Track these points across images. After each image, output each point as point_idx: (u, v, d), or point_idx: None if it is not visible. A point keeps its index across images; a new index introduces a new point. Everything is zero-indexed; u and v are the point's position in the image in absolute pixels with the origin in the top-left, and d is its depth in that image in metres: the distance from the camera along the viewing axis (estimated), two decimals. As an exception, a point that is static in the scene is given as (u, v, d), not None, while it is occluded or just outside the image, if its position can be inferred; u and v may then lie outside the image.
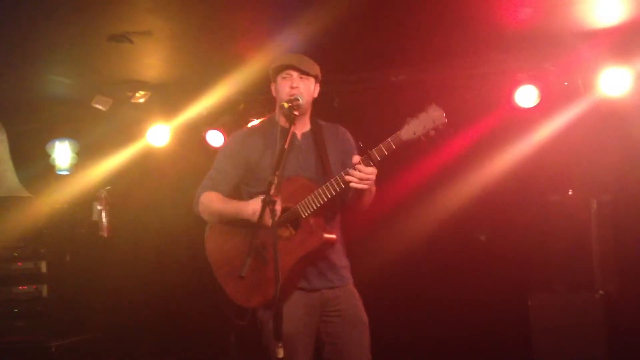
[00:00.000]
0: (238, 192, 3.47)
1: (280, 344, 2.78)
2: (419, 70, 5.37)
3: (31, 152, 6.20)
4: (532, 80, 5.15)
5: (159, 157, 6.26)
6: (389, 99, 5.57)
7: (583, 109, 5.11)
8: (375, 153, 3.10)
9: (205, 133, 5.95)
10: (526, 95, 5.17)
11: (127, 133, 6.20)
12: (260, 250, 3.09)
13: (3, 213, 5.77)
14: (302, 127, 3.43)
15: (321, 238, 3.19)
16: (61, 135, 6.25)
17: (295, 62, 3.33)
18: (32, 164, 6.17)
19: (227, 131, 5.93)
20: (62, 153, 6.23)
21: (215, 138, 5.99)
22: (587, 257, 4.87)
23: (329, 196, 3.16)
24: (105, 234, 6.10)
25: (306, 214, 3.19)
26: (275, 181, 2.92)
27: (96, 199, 6.12)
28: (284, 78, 3.34)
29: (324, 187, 3.17)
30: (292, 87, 3.30)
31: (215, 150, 5.92)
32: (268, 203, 2.88)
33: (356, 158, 3.14)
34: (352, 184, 3.11)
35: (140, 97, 5.83)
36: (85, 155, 6.30)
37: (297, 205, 3.20)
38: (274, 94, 3.43)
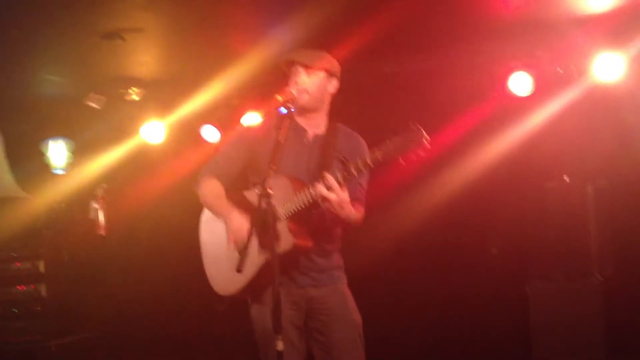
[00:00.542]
0: (245, 176, 3.45)
1: (279, 337, 2.77)
2: (411, 60, 5.36)
3: (26, 152, 6.19)
4: (525, 67, 5.14)
5: (155, 154, 6.25)
6: (381, 90, 5.57)
7: (577, 95, 5.11)
8: (352, 168, 3.03)
9: (200, 128, 5.95)
10: (520, 83, 5.17)
11: (122, 130, 6.19)
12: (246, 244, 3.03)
13: (0, 213, 5.77)
14: (316, 126, 3.37)
15: (291, 244, 3.12)
16: (55, 134, 6.24)
17: (298, 57, 3.28)
18: (27, 164, 6.16)
19: (222, 126, 5.93)
20: (57, 152, 6.23)
21: (210, 133, 5.99)
22: (584, 243, 4.87)
23: (305, 204, 3.10)
24: (102, 232, 6.10)
25: (284, 217, 3.13)
26: (271, 175, 2.89)
27: (93, 197, 6.11)
28: (292, 73, 3.29)
29: (302, 193, 3.11)
30: (295, 83, 3.26)
31: (210, 146, 5.94)
32: (263, 197, 2.86)
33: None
34: (320, 200, 3.06)
35: (134, 94, 5.82)
36: (80, 153, 6.29)
37: (279, 207, 3.11)
38: None
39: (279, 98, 3.19)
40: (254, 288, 3.20)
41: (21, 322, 5.70)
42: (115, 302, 6.15)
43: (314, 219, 3.20)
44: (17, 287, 5.75)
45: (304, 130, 3.36)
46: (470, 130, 5.29)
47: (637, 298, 4.93)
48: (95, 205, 6.11)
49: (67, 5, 4.08)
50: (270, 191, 2.84)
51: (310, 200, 3.09)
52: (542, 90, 5.18)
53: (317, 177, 3.15)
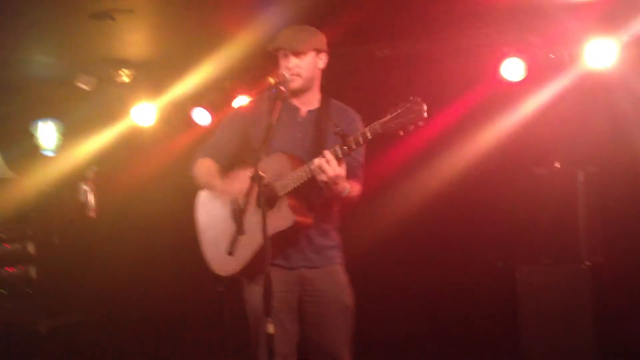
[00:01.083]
0: (238, 159, 3.44)
1: (270, 319, 2.77)
2: (404, 45, 5.34)
3: (14, 133, 6.15)
4: (517, 53, 5.13)
5: (145, 137, 6.22)
6: (373, 74, 5.56)
7: (569, 81, 5.10)
8: (351, 141, 3.02)
9: (191, 111, 5.93)
10: (512, 69, 5.17)
11: (113, 112, 6.16)
12: (242, 224, 3.03)
13: (-12, 195, 5.75)
14: (309, 103, 3.37)
15: (291, 221, 3.13)
16: (45, 116, 6.20)
17: (286, 43, 3.25)
18: (16, 145, 6.13)
19: (213, 109, 5.90)
20: (46, 133, 6.19)
21: (201, 116, 5.96)
22: (573, 229, 4.89)
23: (304, 179, 3.10)
24: (92, 215, 6.08)
25: (282, 193, 3.14)
26: (263, 156, 2.88)
27: (83, 179, 6.09)
28: (281, 57, 3.28)
29: (300, 168, 3.12)
30: (287, 68, 3.25)
31: (202, 128, 5.91)
32: (255, 179, 2.85)
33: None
34: (315, 173, 3.05)
35: (124, 75, 5.78)
36: (70, 135, 6.25)
37: (276, 183, 3.14)
38: None
39: (272, 80, 3.19)
40: (252, 269, 3.19)
41: (10, 303, 5.70)
42: (105, 284, 6.14)
43: (312, 195, 3.20)
44: (6, 268, 5.73)
45: (297, 109, 3.36)
46: (462, 116, 5.28)
47: (626, 284, 4.97)
48: (85, 187, 6.09)
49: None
50: (261, 174, 2.84)
51: (309, 176, 3.09)
52: (534, 76, 5.18)
53: (314, 152, 3.15)
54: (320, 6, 4.39)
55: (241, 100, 5.62)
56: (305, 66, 3.27)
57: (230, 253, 2.91)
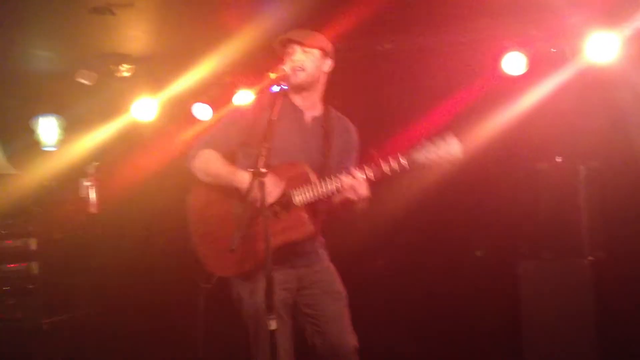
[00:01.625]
0: (235, 157, 3.42)
1: (273, 316, 2.78)
2: (404, 39, 5.33)
3: (15, 128, 6.14)
4: (518, 46, 5.12)
5: (146, 132, 6.21)
6: (375, 68, 5.55)
7: (570, 75, 5.09)
8: (385, 167, 3.07)
9: (191, 106, 5.92)
10: (513, 62, 5.15)
11: (113, 107, 6.15)
12: (246, 224, 3.03)
13: (-11, 190, 5.74)
14: (313, 108, 3.38)
15: (309, 232, 3.19)
16: (45, 111, 6.18)
17: (295, 35, 3.28)
18: (17, 140, 6.11)
19: (213, 104, 5.89)
20: (47, 129, 6.18)
21: (202, 111, 5.95)
22: (575, 224, 4.89)
23: (326, 192, 3.14)
24: (94, 210, 6.07)
25: (299, 202, 3.17)
26: (264, 153, 2.87)
27: (84, 174, 6.08)
28: (288, 52, 3.29)
29: (324, 182, 3.15)
30: (292, 61, 3.26)
31: (202, 124, 5.90)
32: (256, 176, 2.84)
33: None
34: (345, 191, 3.10)
35: (125, 70, 5.77)
36: (71, 130, 6.24)
37: (293, 191, 3.17)
38: None
39: (272, 76, 3.19)
40: (254, 269, 3.18)
41: (13, 299, 5.70)
42: (107, 280, 6.14)
43: (320, 207, 3.25)
44: (8, 265, 5.73)
45: (301, 111, 3.36)
46: (463, 110, 5.26)
47: (627, 278, 4.96)
48: (86, 183, 6.07)
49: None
50: (263, 170, 2.83)
51: (334, 189, 3.13)
52: (535, 70, 5.17)
53: (319, 161, 3.22)
54: (321, 0, 4.37)
55: (242, 95, 5.60)
56: (310, 62, 3.27)
57: (233, 252, 2.89)
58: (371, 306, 5.20)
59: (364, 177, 3.09)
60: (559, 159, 5.10)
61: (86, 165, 5.89)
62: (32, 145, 6.16)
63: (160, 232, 6.10)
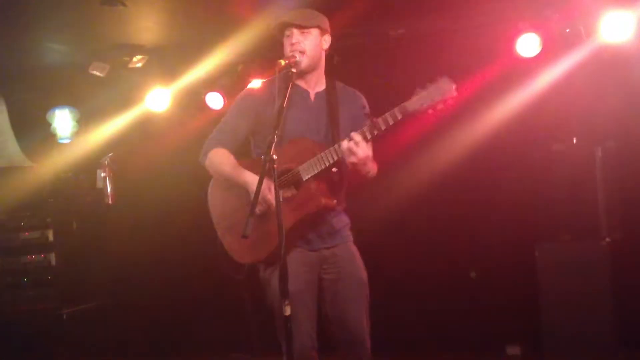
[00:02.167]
0: (248, 144, 3.46)
1: (286, 302, 2.78)
2: (418, 23, 5.29)
3: (31, 121, 6.19)
4: (533, 28, 5.07)
5: (160, 122, 6.24)
6: (388, 53, 5.52)
7: (585, 55, 5.04)
8: (380, 122, 3.04)
9: (204, 96, 5.93)
10: (528, 44, 5.10)
11: (127, 98, 6.17)
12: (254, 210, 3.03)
13: (6, 183, 5.79)
14: (316, 85, 3.38)
15: (319, 204, 3.18)
16: (60, 103, 6.22)
17: (291, 18, 3.27)
18: (33, 133, 6.17)
19: (226, 93, 5.89)
20: (63, 121, 6.22)
21: (214, 100, 5.96)
22: (592, 205, 4.85)
23: (330, 162, 3.13)
24: (110, 201, 6.11)
25: (307, 177, 3.17)
26: (275, 140, 2.86)
27: (100, 166, 6.11)
28: (287, 36, 3.29)
29: (326, 151, 3.14)
30: (292, 44, 3.25)
31: (215, 113, 5.91)
32: (268, 162, 2.84)
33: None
34: (345, 155, 3.08)
35: (137, 61, 5.78)
36: (86, 122, 6.28)
37: (299, 167, 3.18)
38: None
39: (282, 62, 3.18)
40: (275, 254, 3.20)
41: (32, 291, 5.77)
42: (124, 269, 6.19)
43: (335, 178, 3.23)
44: (27, 256, 5.79)
45: (306, 92, 3.37)
46: (478, 92, 5.23)
47: (645, 259, 4.93)
48: (102, 173, 6.11)
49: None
50: (275, 157, 2.83)
51: (335, 158, 3.11)
52: (550, 51, 5.12)
53: (328, 134, 3.20)
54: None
55: (254, 84, 5.60)
56: (309, 43, 3.27)
57: (248, 238, 2.89)
58: (388, 284, 5.19)
59: (360, 137, 3.04)
60: (574, 140, 5.06)
61: (102, 157, 5.91)
62: (48, 138, 6.20)
63: (176, 221, 6.13)
